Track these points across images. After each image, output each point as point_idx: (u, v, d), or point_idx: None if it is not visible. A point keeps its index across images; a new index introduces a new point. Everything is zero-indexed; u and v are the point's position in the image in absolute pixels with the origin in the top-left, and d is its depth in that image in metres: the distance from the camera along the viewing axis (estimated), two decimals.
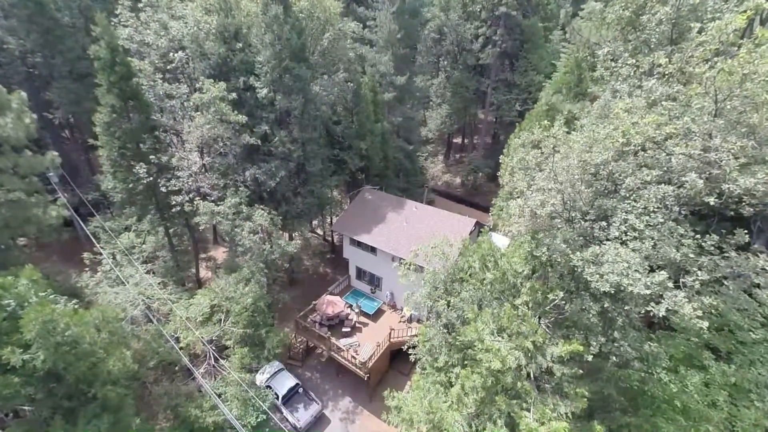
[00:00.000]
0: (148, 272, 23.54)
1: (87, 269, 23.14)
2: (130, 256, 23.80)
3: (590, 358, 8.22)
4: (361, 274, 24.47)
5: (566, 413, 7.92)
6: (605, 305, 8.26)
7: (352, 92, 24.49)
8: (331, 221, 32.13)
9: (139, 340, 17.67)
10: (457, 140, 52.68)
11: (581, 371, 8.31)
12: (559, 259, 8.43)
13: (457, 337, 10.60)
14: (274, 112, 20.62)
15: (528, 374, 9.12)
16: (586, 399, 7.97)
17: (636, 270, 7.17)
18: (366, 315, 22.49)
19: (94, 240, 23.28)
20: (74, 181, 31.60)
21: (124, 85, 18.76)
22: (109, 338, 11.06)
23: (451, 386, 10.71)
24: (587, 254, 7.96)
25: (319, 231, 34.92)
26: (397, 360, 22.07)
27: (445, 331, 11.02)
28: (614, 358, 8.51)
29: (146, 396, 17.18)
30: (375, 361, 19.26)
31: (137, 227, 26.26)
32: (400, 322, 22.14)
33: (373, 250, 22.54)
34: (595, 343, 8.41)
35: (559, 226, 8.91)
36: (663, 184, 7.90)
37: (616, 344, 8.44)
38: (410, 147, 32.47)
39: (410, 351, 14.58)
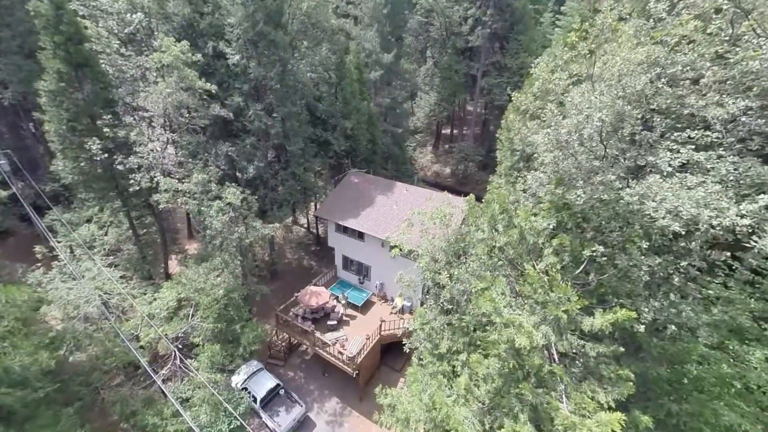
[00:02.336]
0: (109, 266, 21.13)
1: (39, 265, 20.62)
2: (90, 249, 21.41)
3: (642, 328, 6.57)
4: (348, 263, 22.53)
5: (607, 402, 6.26)
6: (656, 261, 6.62)
7: (336, 65, 22.57)
8: (316, 208, 30.07)
9: (91, 340, 15.31)
10: (446, 131, 51.41)
11: (622, 348, 6.66)
12: (605, 197, 6.67)
13: (463, 317, 8.86)
14: (248, 83, 18.53)
15: (551, 355, 7.43)
16: (632, 383, 6.32)
17: (718, 198, 5.55)
18: (354, 307, 20.56)
19: (48, 234, 20.78)
20: (33, 173, 28.78)
21: (73, 49, 16.39)
22: (13, 327, 8.82)
23: (457, 376, 8.96)
24: (643, 187, 6.29)
25: (303, 220, 32.83)
26: (388, 355, 20.21)
27: (451, 307, 9.27)
28: (673, 327, 6.87)
29: (99, 403, 14.83)
30: (365, 356, 17.34)
31: (99, 218, 23.86)
32: (392, 313, 20.28)
33: (360, 236, 20.64)
34: (647, 310, 6.74)
35: (596, 163, 7.25)
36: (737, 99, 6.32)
37: (673, 310, 6.79)
38: (399, 131, 30.70)
39: (404, 341, 12.77)
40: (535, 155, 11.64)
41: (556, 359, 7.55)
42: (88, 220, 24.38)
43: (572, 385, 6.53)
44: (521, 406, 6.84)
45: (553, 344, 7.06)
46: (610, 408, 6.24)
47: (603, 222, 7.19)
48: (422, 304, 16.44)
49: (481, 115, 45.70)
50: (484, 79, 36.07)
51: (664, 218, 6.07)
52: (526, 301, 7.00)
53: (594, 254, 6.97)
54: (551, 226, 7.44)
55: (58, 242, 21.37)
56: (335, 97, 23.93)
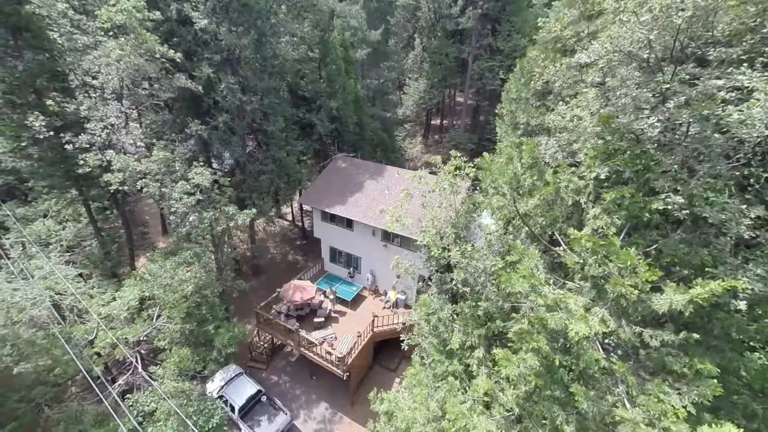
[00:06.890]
0: (66, 263, 18.77)
1: None
2: (46, 246, 19.03)
3: (741, 305, 5.01)
4: (336, 255, 20.67)
5: (685, 406, 4.67)
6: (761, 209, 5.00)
7: (319, 39, 20.62)
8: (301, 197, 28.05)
9: (33, 348, 13.06)
10: (436, 122, 49.95)
11: (696, 335, 5.07)
12: (705, 112, 4.94)
13: (479, 303, 7.18)
14: (219, 53, 16.43)
15: (599, 345, 5.81)
16: (716, 381, 4.75)
17: None
18: (343, 302, 18.71)
19: None
20: None
21: (9, 9, 14.09)
22: None
23: (472, 377, 7.29)
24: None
25: (287, 211, 30.74)
26: (382, 353, 18.46)
27: (466, 290, 7.60)
28: None
29: (42, 422, 12.62)
30: (356, 356, 15.55)
31: (57, 212, 21.43)
32: (385, 308, 18.53)
33: (349, 224, 18.81)
34: (745, 279, 5.15)
35: (665, 83, 5.58)
36: None
37: None
38: (387, 115, 28.91)
39: (403, 336, 11.04)
40: (549, 122, 10.04)
41: (601, 351, 5.92)
42: (45, 215, 21.98)
43: (636, 386, 4.90)
44: (565, 416, 5.20)
45: (621, 328, 5.38)
46: (690, 415, 4.64)
47: (680, 161, 5.42)
48: (419, 293, 14.75)
49: (472, 104, 44.36)
50: (476, 63, 34.58)
51: None
52: (574, 276, 5.35)
53: (669, 208, 5.31)
54: (602, 177, 5.79)
55: (7, 239, 18.98)
56: (319, 75, 21.97)
